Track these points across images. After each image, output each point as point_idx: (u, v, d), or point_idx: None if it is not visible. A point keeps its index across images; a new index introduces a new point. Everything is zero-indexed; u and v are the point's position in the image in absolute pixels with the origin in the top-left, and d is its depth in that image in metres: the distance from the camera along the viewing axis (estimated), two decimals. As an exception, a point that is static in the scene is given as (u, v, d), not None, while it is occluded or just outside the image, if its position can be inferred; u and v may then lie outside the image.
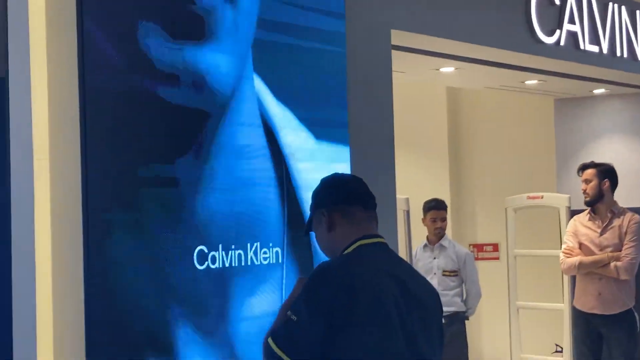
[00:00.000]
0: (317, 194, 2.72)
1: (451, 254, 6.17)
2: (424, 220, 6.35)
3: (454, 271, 6.10)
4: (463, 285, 6.16)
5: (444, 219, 6.28)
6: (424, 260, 6.07)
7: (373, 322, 2.45)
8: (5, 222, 3.05)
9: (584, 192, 5.83)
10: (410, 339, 2.50)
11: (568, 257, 5.79)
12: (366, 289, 2.48)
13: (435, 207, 6.24)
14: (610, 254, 5.69)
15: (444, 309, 2.96)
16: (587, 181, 5.82)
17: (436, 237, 6.22)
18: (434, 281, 5.84)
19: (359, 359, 2.44)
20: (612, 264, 5.68)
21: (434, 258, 6.16)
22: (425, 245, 6.26)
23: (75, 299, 3.08)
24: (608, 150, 7.00)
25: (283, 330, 2.49)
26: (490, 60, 5.93)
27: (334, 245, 2.65)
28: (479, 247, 8.04)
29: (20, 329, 3.04)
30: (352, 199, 2.66)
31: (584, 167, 5.88)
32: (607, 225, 5.82)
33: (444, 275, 6.08)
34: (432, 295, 2.67)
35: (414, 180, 7.61)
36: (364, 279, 2.50)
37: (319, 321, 2.44)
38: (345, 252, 2.60)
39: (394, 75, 4.94)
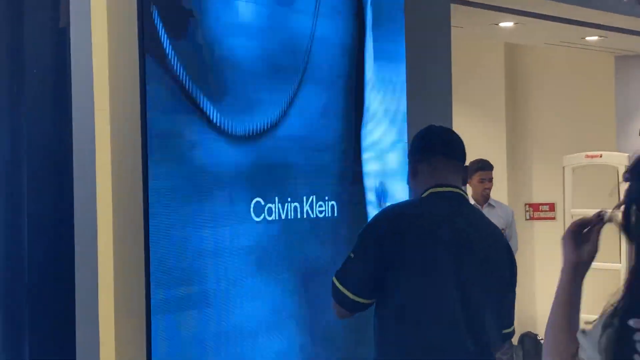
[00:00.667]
0: (409, 145, 2.92)
1: (500, 213, 6.22)
2: (470, 181, 6.32)
3: (503, 229, 6.13)
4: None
5: (491, 180, 6.29)
6: None
7: (418, 264, 2.62)
8: (67, 172, 3.09)
9: None
10: (462, 286, 2.60)
11: (628, 217, 5.72)
12: (414, 232, 2.65)
13: (482, 168, 6.21)
14: None
15: None
16: None
17: (483, 197, 6.23)
18: None
19: (406, 299, 2.61)
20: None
21: None
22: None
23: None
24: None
25: (343, 267, 2.70)
26: (551, 14, 5.82)
27: (415, 192, 2.79)
28: (534, 207, 7.95)
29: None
30: (435, 149, 2.77)
31: None
32: (668, 184, 5.73)
33: None
34: (499, 247, 2.76)
35: (470, 138, 7.52)
36: (416, 223, 2.67)
37: (370, 259, 2.64)
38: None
39: (452, 30, 4.88)
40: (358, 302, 2.66)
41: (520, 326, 7.61)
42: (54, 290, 3.14)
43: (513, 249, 6.25)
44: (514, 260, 2.81)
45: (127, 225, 3.11)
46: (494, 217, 6.15)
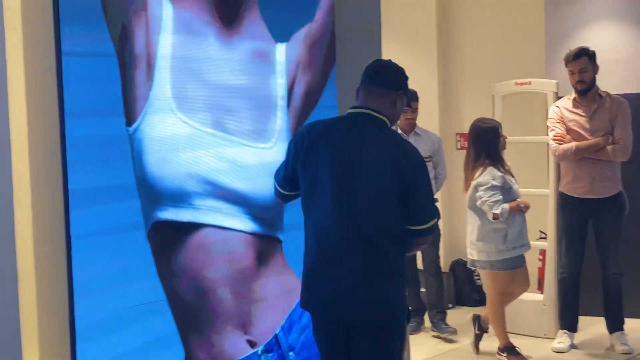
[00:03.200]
0: None
1: (426, 141, 6.30)
2: None
3: (429, 157, 6.21)
4: (434, 169, 6.28)
5: (414, 110, 6.29)
6: None
7: (308, 167, 3.27)
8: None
9: (581, 81, 5.75)
10: (340, 190, 3.19)
11: (561, 144, 5.77)
12: (311, 139, 3.27)
13: None
14: (605, 137, 5.69)
15: None
16: (583, 70, 5.74)
17: (408, 127, 6.29)
18: None
19: (304, 193, 3.31)
20: (610, 147, 5.68)
21: None
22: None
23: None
24: (599, 36, 6.87)
25: (277, 169, 3.49)
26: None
27: None
28: (465, 137, 7.99)
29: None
30: (363, 79, 3.38)
31: (577, 56, 5.76)
32: (596, 110, 5.79)
33: None
34: (384, 160, 3.20)
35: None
36: (314, 133, 3.29)
37: (286, 160, 3.39)
38: None
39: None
40: (281, 192, 3.47)
41: (451, 254, 7.72)
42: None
43: (440, 176, 6.34)
44: (413, 169, 3.21)
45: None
46: (420, 145, 6.18)
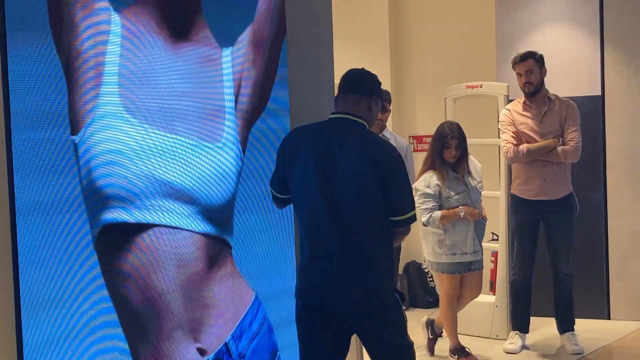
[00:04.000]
0: None
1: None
2: None
3: None
4: None
5: (385, 111, 6.19)
6: None
7: (295, 168, 3.54)
8: None
9: (528, 83, 5.81)
10: (324, 189, 3.45)
11: (512, 147, 5.82)
12: (295, 143, 3.56)
13: None
14: (555, 139, 5.76)
15: None
16: (529, 72, 5.81)
17: (377, 128, 6.17)
18: None
19: (293, 192, 3.59)
20: (560, 149, 5.75)
21: None
22: None
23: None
24: (549, 39, 6.95)
25: (271, 178, 3.74)
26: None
27: None
28: (418, 139, 8.04)
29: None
30: (340, 87, 3.66)
31: (523, 58, 5.84)
32: (546, 112, 5.85)
33: None
34: (361, 159, 3.46)
35: (354, 71, 7.48)
36: (299, 138, 3.57)
37: (277, 166, 3.65)
38: None
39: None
40: (278, 197, 3.70)
41: (404, 257, 7.74)
42: None
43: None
44: (390, 164, 3.49)
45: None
46: None
